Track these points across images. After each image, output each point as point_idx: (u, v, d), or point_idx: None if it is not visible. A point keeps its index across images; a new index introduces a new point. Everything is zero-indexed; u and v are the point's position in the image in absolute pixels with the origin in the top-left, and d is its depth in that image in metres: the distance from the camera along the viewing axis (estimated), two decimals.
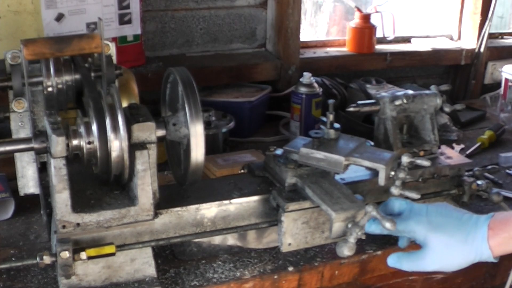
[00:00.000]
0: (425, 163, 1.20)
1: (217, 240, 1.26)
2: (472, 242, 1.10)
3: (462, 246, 1.11)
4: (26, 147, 1.09)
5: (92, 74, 1.26)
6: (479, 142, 1.88)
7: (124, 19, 1.80)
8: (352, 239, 1.10)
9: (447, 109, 1.44)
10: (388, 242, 1.34)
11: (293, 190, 1.22)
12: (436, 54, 2.36)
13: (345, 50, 2.28)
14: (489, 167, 1.70)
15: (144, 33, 1.88)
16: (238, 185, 1.28)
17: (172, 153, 1.27)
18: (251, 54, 2.11)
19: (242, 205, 1.23)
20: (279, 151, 1.29)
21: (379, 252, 1.31)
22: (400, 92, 1.43)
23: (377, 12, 2.29)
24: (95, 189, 1.17)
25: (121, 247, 1.12)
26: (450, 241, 1.11)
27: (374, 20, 2.26)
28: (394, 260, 1.18)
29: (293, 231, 1.19)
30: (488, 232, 1.09)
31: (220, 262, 1.24)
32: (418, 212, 1.16)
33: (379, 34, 2.29)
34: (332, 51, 2.27)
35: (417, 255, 1.15)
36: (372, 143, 1.40)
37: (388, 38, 2.35)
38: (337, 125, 1.29)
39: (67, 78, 1.25)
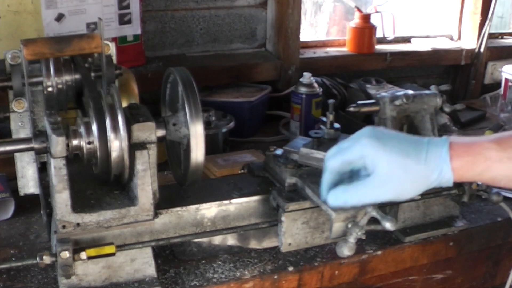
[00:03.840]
0: None
1: (217, 240, 1.26)
2: (433, 161, 0.96)
3: (421, 166, 0.96)
4: (26, 147, 1.09)
5: (92, 74, 1.26)
6: None
7: (124, 19, 1.80)
8: (352, 239, 1.10)
9: (447, 109, 1.44)
10: (388, 242, 1.34)
11: (293, 190, 1.22)
12: (436, 54, 2.36)
13: (345, 50, 2.28)
14: None
15: (144, 33, 1.89)
16: (238, 185, 1.28)
17: (172, 153, 1.27)
18: (251, 54, 2.11)
19: (242, 205, 1.23)
20: (279, 151, 1.29)
21: (379, 252, 1.31)
22: (400, 92, 1.43)
23: (377, 12, 2.29)
24: (95, 189, 1.17)
25: (121, 247, 1.11)
26: (406, 161, 0.96)
27: (374, 20, 2.26)
28: (338, 196, 1.02)
29: (293, 231, 1.19)
30: (450, 152, 0.96)
31: (220, 262, 1.24)
32: (359, 134, 1.01)
33: (379, 34, 2.29)
34: (332, 51, 2.27)
35: (366, 183, 0.99)
36: None
37: (388, 38, 2.35)
38: (337, 125, 1.29)
39: (67, 78, 1.25)
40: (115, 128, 1.06)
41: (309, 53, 2.22)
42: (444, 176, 0.96)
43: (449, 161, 0.96)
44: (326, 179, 1.05)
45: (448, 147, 0.96)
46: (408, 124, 1.42)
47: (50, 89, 1.23)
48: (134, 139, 1.11)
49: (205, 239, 1.24)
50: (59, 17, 1.66)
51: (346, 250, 1.10)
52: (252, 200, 1.24)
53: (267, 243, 1.29)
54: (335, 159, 1.03)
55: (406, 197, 1.00)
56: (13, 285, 1.16)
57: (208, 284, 1.18)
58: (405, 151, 0.97)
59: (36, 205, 1.36)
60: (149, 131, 1.12)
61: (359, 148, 0.99)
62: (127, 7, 1.79)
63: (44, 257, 1.07)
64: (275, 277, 1.22)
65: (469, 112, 2.15)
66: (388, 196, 0.98)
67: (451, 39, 2.49)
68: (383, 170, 0.97)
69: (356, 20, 2.25)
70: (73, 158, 1.09)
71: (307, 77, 1.86)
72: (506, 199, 1.46)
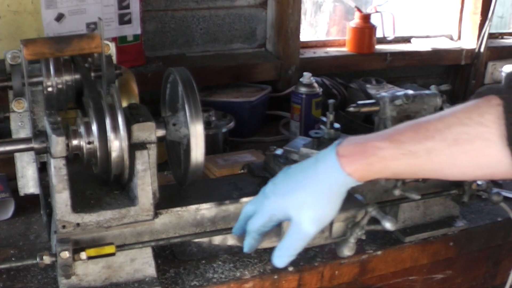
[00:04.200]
0: None
1: (217, 240, 1.26)
2: (326, 175, 0.97)
3: (319, 185, 0.98)
4: (26, 147, 1.09)
5: (92, 74, 1.26)
6: None
7: (124, 19, 1.80)
8: (352, 239, 1.10)
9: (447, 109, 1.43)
10: (388, 242, 1.34)
11: None
12: (436, 54, 2.36)
13: (345, 50, 2.28)
14: None
15: (144, 33, 1.89)
16: (238, 185, 1.28)
17: (172, 153, 1.27)
18: (251, 54, 2.11)
19: (242, 205, 1.23)
20: (279, 151, 1.29)
21: (379, 252, 1.31)
22: (400, 92, 1.43)
23: (377, 12, 2.29)
24: (95, 189, 1.17)
25: (121, 247, 1.11)
26: (307, 194, 0.99)
27: (374, 20, 2.26)
28: (279, 259, 1.04)
29: None
30: (340, 159, 0.95)
31: (220, 262, 1.24)
32: (260, 197, 1.05)
33: (379, 34, 2.29)
34: (332, 51, 2.27)
35: (291, 235, 1.01)
36: None
37: (388, 38, 2.35)
38: (337, 125, 1.30)
39: (67, 78, 1.25)
40: (115, 128, 1.06)
41: (309, 53, 2.22)
42: (344, 181, 0.97)
43: (340, 168, 0.95)
44: (252, 243, 1.09)
45: (336, 154, 0.96)
46: None
47: (50, 89, 1.23)
48: (134, 139, 1.11)
49: (205, 239, 1.24)
50: (59, 17, 1.66)
51: (346, 250, 1.10)
52: None
53: (267, 243, 1.29)
54: (253, 224, 1.05)
55: (332, 216, 1.01)
56: (13, 285, 1.16)
57: (208, 284, 1.18)
58: (301, 186, 0.99)
59: (36, 205, 1.36)
60: (149, 131, 1.12)
61: (265, 213, 1.03)
62: (127, 7, 1.79)
63: (44, 257, 1.07)
64: (275, 277, 1.22)
65: None
66: (317, 228, 1.00)
67: (451, 39, 2.48)
68: (296, 216, 0.99)
69: (356, 20, 2.25)
70: (73, 158, 1.09)
71: (307, 77, 1.86)
72: (506, 199, 1.46)
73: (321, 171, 0.98)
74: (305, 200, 0.99)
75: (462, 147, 0.90)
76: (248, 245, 1.09)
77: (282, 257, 1.03)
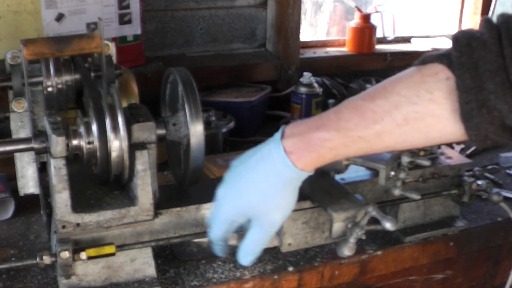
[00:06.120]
0: (425, 163, 1.20)
1: None
2: (275, 175, 0.96)
3: (271, 183, 0.97)
4: (26, 147, 1.09)
5: (92, 74, 1.26)
6: None
7: (124, 19, 1.80)
8: (352, 239, 1.10)
9: None
10: (388, 242, 1.34)
11: None
12: None
13: (345, 50, 2.28)
14: (489, 167, 1.70)
15: (144, 33, 1.89)
16: None
17: (172, 153, 1.27)
18: (251, 54, 2.11)
19: None
20: None
21: (379, 252, 1.31)
22: None
23: (377, 12, 2.30)
24: (95, 189, 1.17)
25: (121, 247, 1.11)
26: (267, 200, 0.98)
27: (374, 20, 2.26)
28: (245, 258, 1.04)
29: (293, 231, 1.19)
30: (291, 157, 0.94)
31: (220, 262, 1.24)
32: (218, 201, 1.03)
33: (379, 34, 2.29)
34: (332, 51, 2.27)
35: (252, 234, 1.02)
36: None
37: (388, 38, 2.35)
38: None
39: (67, 78, 1.25)
40: (115, 128, 1.06)
41: (309, 53, 2.22)
42: (298, 176, 0.96)
43: (292, 165, 0.94)
44: (222, 249, 1.09)
45: (284, 151, 0.95)
46: None
47: (50, 89, 1.23)
48: (134, 139, 1.11)
49: (205, 239, 1.24)
50: (59, 17, 1.66)
51: (346, 250, 1.10)
52: None
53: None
54: (215, 234, 1.05)
55: (291, 209, 1.01)
56: (13, 285, 1.16)
57: (208, 284, 1.18)
58: (255, 188, 0.98)
59: (36, 205, 1.36)
60: (149, 131, 1.12)
61: (224, 221, 1.02)
62: (127, 7, 1.79)
63: (44, 257, 1.07)
64: (275, 277, 1.22)
65: None
66: (279, 225, 1.01)
67: None
68: (256, 218, 1.00)
69: (356, 20, 2.25)
70: (73, 158, 1.09)
71: (307, 77, 1.86)
72: (506, 199, 1.46)
73: (273, 171, 0.96)
74: (263, 202, 0.98)
75: (413, 125, 0.88)
76: (219, 251, 1.09)
77: (247, 257, 1.04)
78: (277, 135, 0.98)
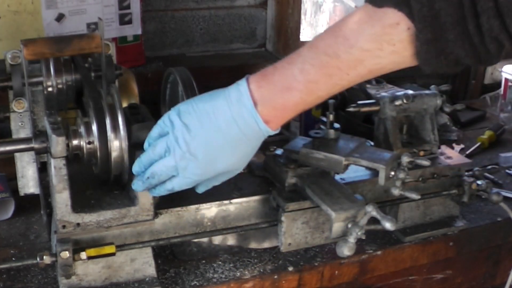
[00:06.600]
0: (425, 163, 1.20)
1: (217, 240, 1.26)
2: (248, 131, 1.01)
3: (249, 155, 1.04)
4: (26, 147, 1.09)
5: (92, 74, 1.26)
6: (479, 142, 1.88)
7: (124, 19, 1.80)
8: (352, 239, 1.10)
9: (447, 109, 1.44)
10: (388, 242, 1.34)
11: (293, 190, 1.22)
12: None
13: None
14: (489, 167, 1.70)
15: (144, 33, 1.88)
16: (238, 185, 1.28)
17: None
18: (251, 54, 2.11)
19: (242, 205, 1.23)
20: (279, 151, 1.29)
21: (379, 252, 1.31)
22: (400, 92, 1.43)
23: None
24: (95, 189, 1.17)
25: (121, 247, 1.12)
26: (239, 160, 1.05)
27: None
28: (144, 182, 1.05)
29: (293, 231, 1.19)
30: (270, 125, 1.01)
31: (220, 262, 1.24)
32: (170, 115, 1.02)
33: None
34: None
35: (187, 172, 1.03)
36: (372, 143, 1.40)
37: None
38: (337, 125, 1.29)
39: (67, 78, 1.25)
40: (115, 128, 1.06)
41: None
42: (267, 134, 1.02)
43: (270, 131, 1.01)
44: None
45: (264, 122, 1.00)
46: (408, 124, 1.42)
47: (50, 89, 1.23)
48: (134, 139, 1.11)
49: (205, 239, 1.24)
50: (59, 17, 1.66)
51: (346, 250, 1.10)
52: (252, 200, 1.24)
53: (267, 243, 1.29)
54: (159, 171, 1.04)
55: (244, 162, 1.06)
56: (13, 285, 1.16)
57: (208, 284, 1.18)
58: (231, 155, 1.02)
59: (36, 205, 1.36)
60: (149, 131, 1.12)
61: (188, 179, 1.04)
62: (128, 7, 1.79)
63: (44, 257, 1.07)
64: (275, 277, 1.22)
65: (469, 112, 2.14)
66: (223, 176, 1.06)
67: None
68: (225, 172, 1.06)
69: None
70: (73, 158, 1.09)
71: None
72: (506, 199, 1.46)
73: (252, 140, 1.01)
74: (237, 163, 1.05)
75: (374, 74, 0.96)
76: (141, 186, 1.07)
77: (147, 180, 1.04)
78: (243, 87, 1.05)
